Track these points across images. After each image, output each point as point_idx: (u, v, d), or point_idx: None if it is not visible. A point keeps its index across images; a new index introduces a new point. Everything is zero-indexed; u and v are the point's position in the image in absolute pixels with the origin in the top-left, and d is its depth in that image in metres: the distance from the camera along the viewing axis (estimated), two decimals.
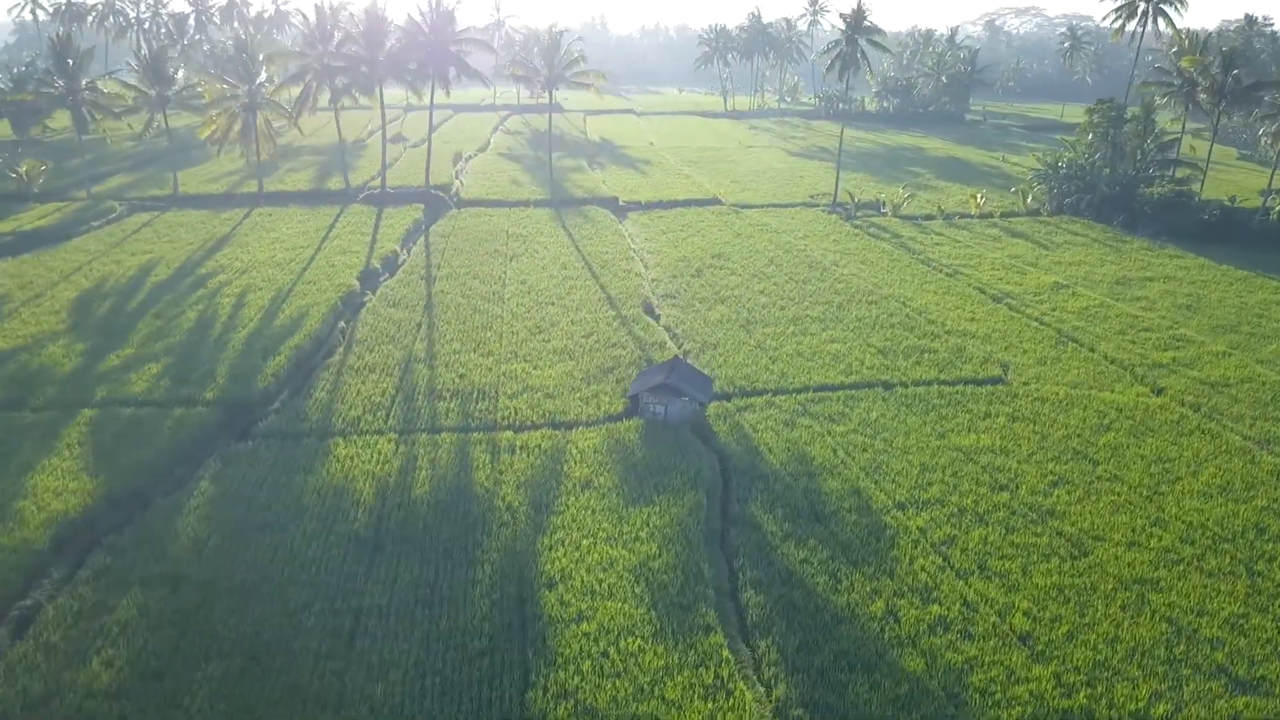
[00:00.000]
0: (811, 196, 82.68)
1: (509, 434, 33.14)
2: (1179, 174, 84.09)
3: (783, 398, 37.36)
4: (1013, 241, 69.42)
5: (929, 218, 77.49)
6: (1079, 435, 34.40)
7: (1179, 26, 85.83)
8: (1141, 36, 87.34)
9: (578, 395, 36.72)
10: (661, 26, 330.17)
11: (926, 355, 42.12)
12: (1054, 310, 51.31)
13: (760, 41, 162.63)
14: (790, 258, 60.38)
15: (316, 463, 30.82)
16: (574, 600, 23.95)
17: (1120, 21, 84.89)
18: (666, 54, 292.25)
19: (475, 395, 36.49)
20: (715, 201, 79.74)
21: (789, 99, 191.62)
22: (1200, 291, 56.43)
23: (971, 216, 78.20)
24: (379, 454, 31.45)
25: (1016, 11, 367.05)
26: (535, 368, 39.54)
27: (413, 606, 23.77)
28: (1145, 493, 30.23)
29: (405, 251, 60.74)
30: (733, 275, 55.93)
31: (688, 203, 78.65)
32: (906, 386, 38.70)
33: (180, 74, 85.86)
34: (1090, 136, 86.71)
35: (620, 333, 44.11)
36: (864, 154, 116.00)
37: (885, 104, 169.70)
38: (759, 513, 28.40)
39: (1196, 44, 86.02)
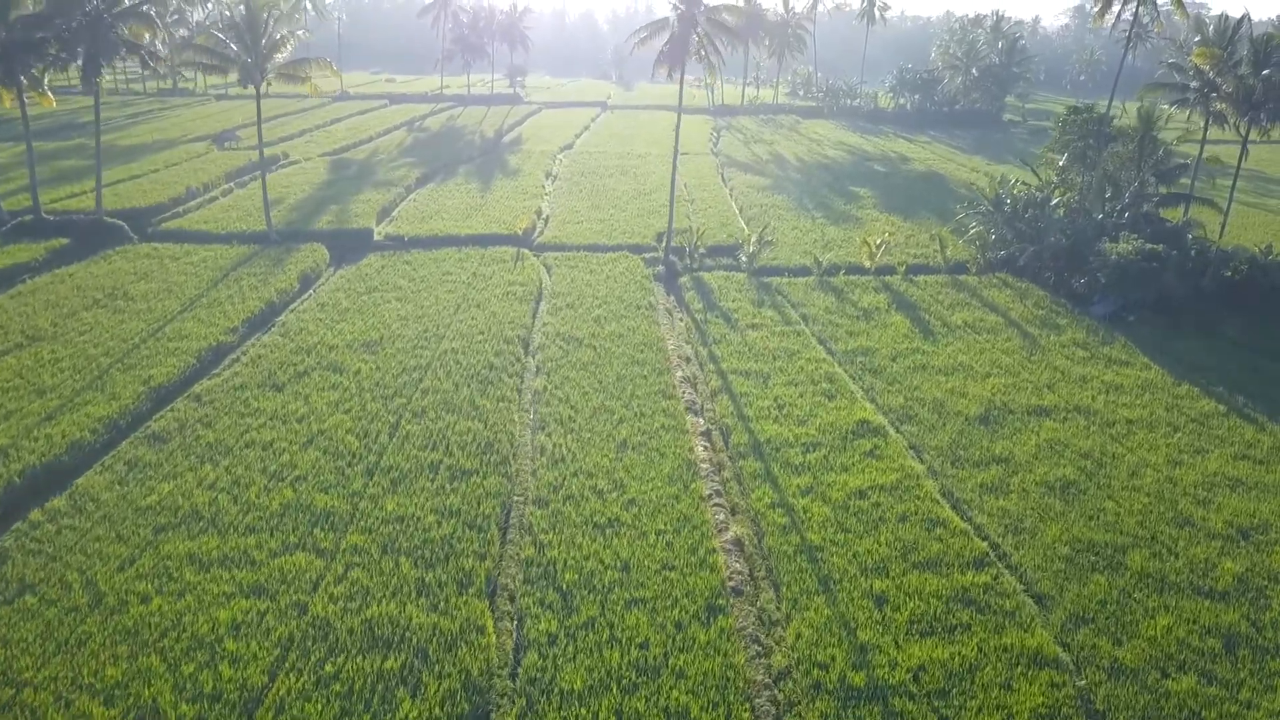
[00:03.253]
0: (659, 235, 60.65)
1: None
2: (1191, 213, 59.46)
3: None
4: (889, 319, 46.63)
5: (800, 272, 54.89)
6: None
7: (1191, 12, 60.37)
8: (1134, 23, 62.28)
9: None
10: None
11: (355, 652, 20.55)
12: (804, 495, 28.97)
13: (752, 25, 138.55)
14: (475, 351, 39.05)
15: None
16: None
17: (1101, 1, 59.91)
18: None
19: None
20: (517, 241, 58.48)
21: (800, 92, 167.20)
22: (1113, 447, 33.17)
23: (864, 271, 55.28)
24: None
25: None
26: None
27: None
28: None
29: None
30: (333, 389, 35.06)
31: (472, 240, 57.65)
32: None
33: None
34: (1064, 158, 62.48)
35: None
36: (817, 167, 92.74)
37: (902, 101, 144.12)
38: None
39: (1223, 33, 60.67)
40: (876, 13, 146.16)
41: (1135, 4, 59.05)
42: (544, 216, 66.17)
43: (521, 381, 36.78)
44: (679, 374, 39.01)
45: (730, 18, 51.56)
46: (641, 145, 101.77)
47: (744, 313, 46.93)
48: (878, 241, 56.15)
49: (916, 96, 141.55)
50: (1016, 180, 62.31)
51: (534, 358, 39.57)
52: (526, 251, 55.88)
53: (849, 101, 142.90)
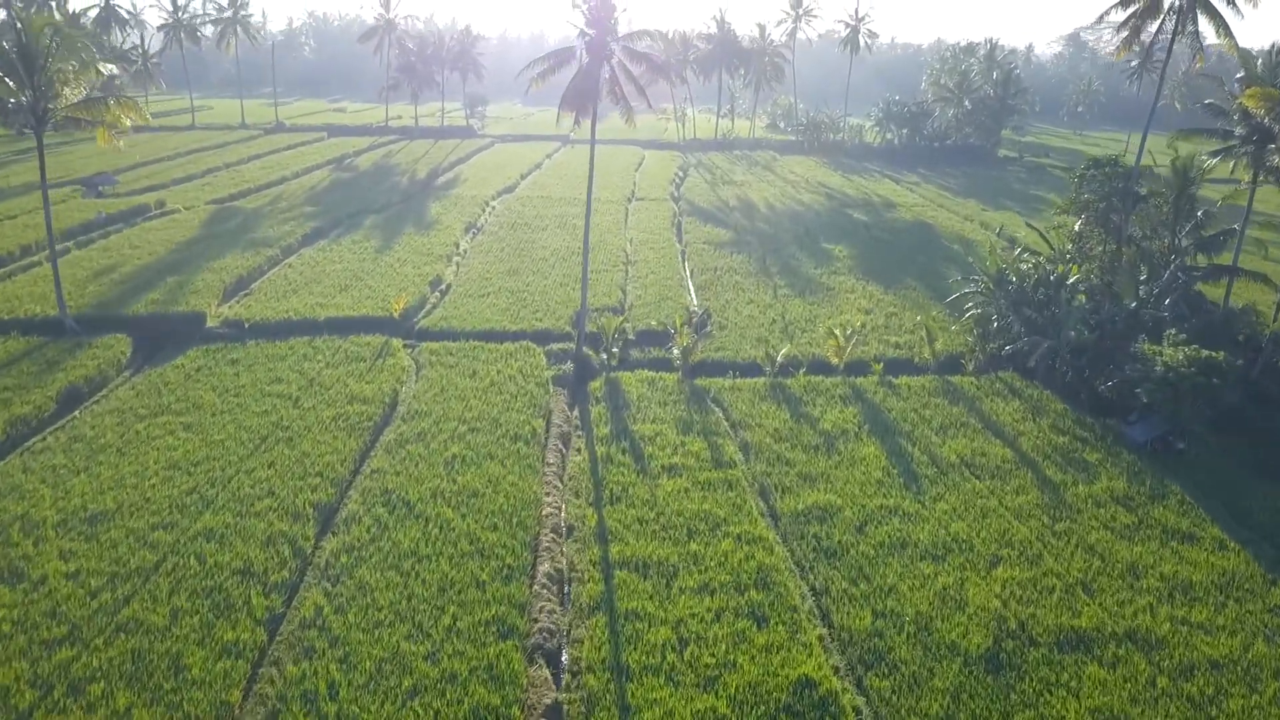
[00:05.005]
0: (577, 315, 48.27)
1: None
2: (1236, 289, 47.53)
3: None
4: (859, 452, 34.29)
5: (749, 370, 42.66)
6: None
7: (1240, 42, 48.34)
8: (1169, 55, 50.26)
9: None
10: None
11: None
12: None
13: (726, 53, 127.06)
14: (243, 534, 26.57)
15: None
16: None
17: (1128, 28, 48.00)
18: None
19: None
20: (392, 326, 45.95)
21: (781, 124, 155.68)
22: None
23: (830, 370, 42.99)
24: None
25: (1115, 25, 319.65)
26: None
27: None
28: None
29: None
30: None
31: (334, 326, 45.13)
32: None
33: None
34: (1080, 222, 50.40)
35: None
36: (789, 215, 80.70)
37: (889, 135, 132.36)
38: None
39: (1275, 69, 48.85)
40: (862, 41, 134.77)
41: (1171, 33, 46.93)
42: (443, 286, 53.86)
43: (287, 601, 24.15)
44: (544, 568, 26.47)
45: (651, 45, 39.26)
46: (594, 189, 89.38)
47: (664, 443, 34.49)
48: (848, 333, 43.80)
49: (904, 131, 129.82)
50: (1022, 249, 50.09)
51: (330, 541, 26.96)
52: (398, 342, 43.43)
53: (831, 136, 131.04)
